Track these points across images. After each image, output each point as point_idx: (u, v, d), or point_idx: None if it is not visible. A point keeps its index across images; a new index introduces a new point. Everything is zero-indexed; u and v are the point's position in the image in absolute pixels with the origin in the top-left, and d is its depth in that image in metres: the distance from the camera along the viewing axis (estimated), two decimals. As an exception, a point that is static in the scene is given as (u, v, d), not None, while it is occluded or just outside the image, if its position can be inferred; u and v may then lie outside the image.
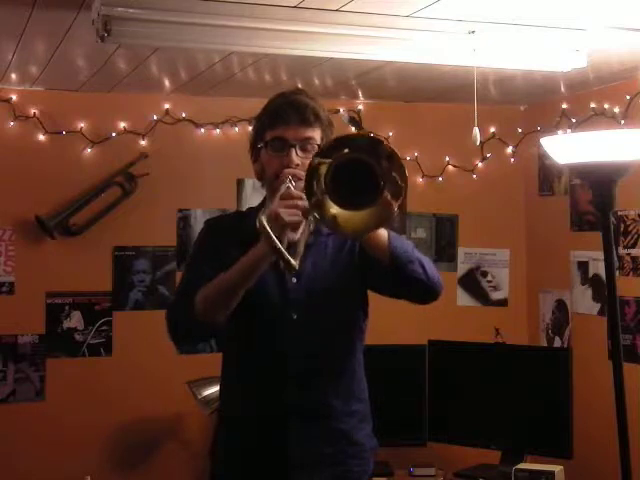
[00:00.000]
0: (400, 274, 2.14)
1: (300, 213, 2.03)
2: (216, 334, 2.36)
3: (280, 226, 2.02)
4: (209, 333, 2.27)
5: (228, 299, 2.13)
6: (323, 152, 1.97)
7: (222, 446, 2.35)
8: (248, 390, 2.29)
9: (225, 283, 2.13)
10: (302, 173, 2.05)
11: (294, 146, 2.20)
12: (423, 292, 2.22)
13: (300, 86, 3.81)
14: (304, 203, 1.99)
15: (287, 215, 2.02)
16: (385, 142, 1.96)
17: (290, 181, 2.11)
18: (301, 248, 2.11)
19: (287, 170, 2.16)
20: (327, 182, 1.94)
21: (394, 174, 1.92)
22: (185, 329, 2.24)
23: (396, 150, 1.94)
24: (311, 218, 2.06)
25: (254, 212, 2.23)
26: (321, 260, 2.27)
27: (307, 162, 2.07)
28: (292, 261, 1.99)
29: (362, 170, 1.94)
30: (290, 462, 2.22)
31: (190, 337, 2.33)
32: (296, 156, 2.19)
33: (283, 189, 2.09)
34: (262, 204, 2.32)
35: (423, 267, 2.17)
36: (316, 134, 2.22)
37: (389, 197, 1.93)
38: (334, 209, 1.95)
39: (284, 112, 2.21)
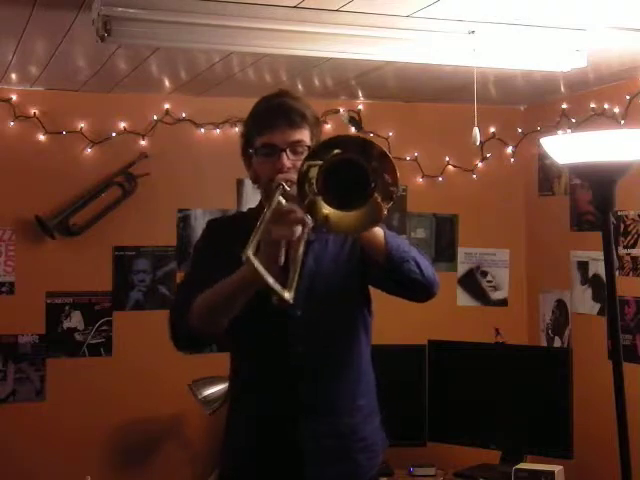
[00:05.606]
0: (396, 273, 2.15)
1: (293, 227, 2.00)
2: (217, 339, 2.35)
3: (273, 243, 2.00)
4: (209, 341, 2.27)
5: (222, 314, 2.13)
6: (313, 155, 1.96)
7: (229, 446, 2.36)
8: (251, 389, 2.30)
9: (217, 301, 2.13)
10: (294, 177, 2.04)
11: (284, 150, 2.19)
12: (419, 291, 2.23)
13: (300, 87, 3.82)
14: (297, 214, 1.98)
15: (277, 232, 2.00)
16: (376, 144, 1.94)
17: (283, 187, 2.09)
18: (296, 275, 2.02)
19: (280, 176, 2.15)
20: (318, 183, 1.94)
21: (386, 176, 1.92)
22: (185, 339, 2.26)
23: (388, 152, 1.93)
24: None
25: (254, 212, 2.24)
26: (322, 256, 2.28)
27: (299, 164, 2.07)
28: (285, 295, 1.93)
29: (353, 170, 1.93)
30: (298, 459, 2.22)
31: (190, 347, 2.32)
32: (287, 160, 2.18)
33: (275, 201, 2.05)
34: (260, 206, 2.32)
35: (419, 266, 2.17)
36: (304, 135, 2.22)
37: (379, 199, 1.92)
38: (326, 209, 1.95)
39: (270, 117, 2.20)
